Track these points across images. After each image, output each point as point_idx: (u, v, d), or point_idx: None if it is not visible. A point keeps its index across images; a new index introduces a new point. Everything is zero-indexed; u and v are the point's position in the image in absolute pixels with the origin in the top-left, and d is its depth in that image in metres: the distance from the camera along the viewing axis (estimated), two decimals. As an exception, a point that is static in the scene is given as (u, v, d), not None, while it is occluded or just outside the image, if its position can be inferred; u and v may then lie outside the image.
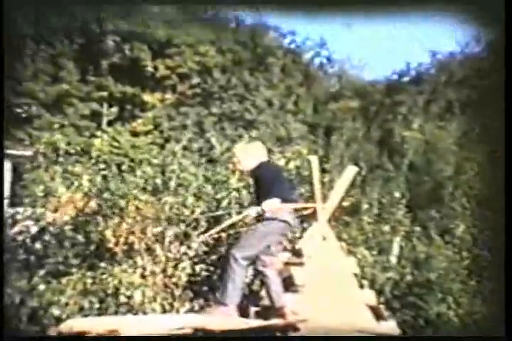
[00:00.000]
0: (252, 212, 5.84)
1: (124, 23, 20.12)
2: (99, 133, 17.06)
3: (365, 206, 8.78)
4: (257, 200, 5.94)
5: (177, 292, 7.00)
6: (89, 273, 6.90)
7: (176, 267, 7.01)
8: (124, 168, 8.03)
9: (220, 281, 6.15)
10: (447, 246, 8.70)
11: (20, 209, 7.75)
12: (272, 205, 5.73)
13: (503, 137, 5.32)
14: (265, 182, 5.86)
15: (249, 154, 6.09)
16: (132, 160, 8.76)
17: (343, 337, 5.50)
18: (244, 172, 6.42)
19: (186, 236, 7.25)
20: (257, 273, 6.17)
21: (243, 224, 6.82)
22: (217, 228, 6.34)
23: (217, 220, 7.01)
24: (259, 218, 5.92)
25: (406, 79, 21.16)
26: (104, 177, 7.58)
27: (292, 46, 23.11)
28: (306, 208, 6.36)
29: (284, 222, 5.87)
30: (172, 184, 7.47)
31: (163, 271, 6.97)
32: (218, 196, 7.48)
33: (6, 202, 7.81)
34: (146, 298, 6.76)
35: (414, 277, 8.26)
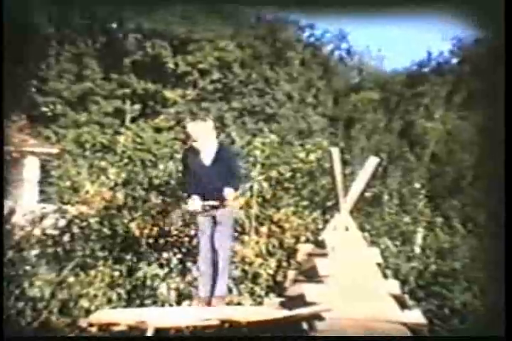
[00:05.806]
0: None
1: (145, 20, 20.25)
2: (122, 129, 17.23)
3: (386, 197, 8.78)
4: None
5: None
6: (116, 266, 7.04)
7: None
8: (147, 163, 8.15)
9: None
10: (470, 235, 8.68)
11: (48, 205, 7.92)
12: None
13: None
14: (234, 169, 6.16)
15: (205, 132, 6.32)
16: (155, 156, 8.89)
17: (355, 337, 5.54)
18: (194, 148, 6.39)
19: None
20: None
21: None
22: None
23: None
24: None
25: (427, 69, 20.98)
26: (129, 171, 7.71)
27: (311, 39, 23.06)
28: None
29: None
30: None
31: (187, 262, 7.07)
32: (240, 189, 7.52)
33: (35, 198, 7.97)
34: (171, 289, 6.87)
35: (438, 266, 8.25)
